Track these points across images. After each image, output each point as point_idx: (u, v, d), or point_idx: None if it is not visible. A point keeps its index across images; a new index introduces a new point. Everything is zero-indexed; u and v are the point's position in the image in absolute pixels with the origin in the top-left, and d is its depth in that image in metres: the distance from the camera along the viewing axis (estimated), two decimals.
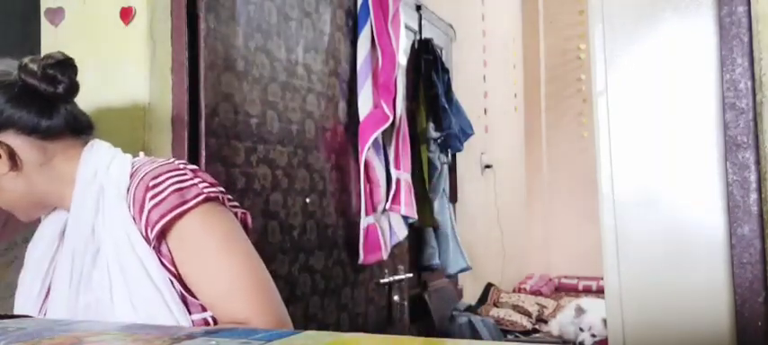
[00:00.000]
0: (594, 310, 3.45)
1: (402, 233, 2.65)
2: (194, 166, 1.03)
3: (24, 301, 1.06)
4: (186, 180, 0.97)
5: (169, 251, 0.96)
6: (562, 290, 5.26)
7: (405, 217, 2.67)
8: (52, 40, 1.72)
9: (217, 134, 1.68)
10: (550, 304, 4.66)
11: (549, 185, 5.74)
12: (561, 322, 3.79)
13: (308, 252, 2.02)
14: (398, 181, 2.60)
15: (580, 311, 3.57)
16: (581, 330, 3.49)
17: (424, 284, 3.51)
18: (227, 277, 0.95)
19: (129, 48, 1.64)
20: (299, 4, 2.08)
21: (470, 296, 4.29)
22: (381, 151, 2.51)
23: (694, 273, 1.18)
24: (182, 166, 1.00)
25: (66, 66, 1.09)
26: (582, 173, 5.19)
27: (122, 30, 1.64)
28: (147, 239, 0.95)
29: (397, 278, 2.61)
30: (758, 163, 1.14)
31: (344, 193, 2.30)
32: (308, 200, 2.04)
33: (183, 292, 0.96)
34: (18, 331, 0.63)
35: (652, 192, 1.23)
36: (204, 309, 0.97)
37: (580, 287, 5.23)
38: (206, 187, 0.98)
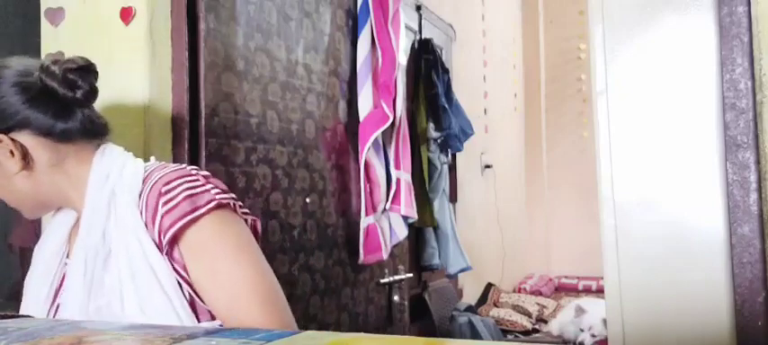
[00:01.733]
0: (594, 310, 3.46)
1: (402, 233, 2.65)
2: (206, 172, 1.03)
3: (32, 304, 1.06)
4: (198, 186, 0.98)
5: (181, 256, 0.96)
6: (562, 290, 5.26)
7: (405, 217, 2.67)
8: (52, 40, 1.72)
9: (217, 134, 1.68)
10: (550, 304, 4.66)
11: (549, 185, 5.74)
12: (561, 322, 3.79)
13: (308, 252, 2.02)
14: (398, 181, 2.60)
15: (580, 311, 3.57)
16: (581, 330, 3.50)
17: (424, 284, 3.51)
18: (237, 284, 0.96)
19: (129, 48, 1.64)
20: (299, 4, 2.08)
21: (470, 296, 4.29)
22: (381, 151, 2.51)
23: (694, 273, 1.18)
24: (194, 172, 1.01)
25: (87, 71, 1.09)
26: (582, 173, 5.19)
27: (122, 30, 1.64)
28: (158, 245, 0.95)
29: (397, 278, 2.61)
30: (758, 163, 1.14)
31: (344, 193, 2.30)
32: (308, 200, 2.04)
33: (193, 298, 0.96)
34: (18, 331, 0.63)
35: (652, 192, 1.23)
36: (213, 316, 0.97)
37: (580, 287, 5.23)
38: (218, 193, 0.99)
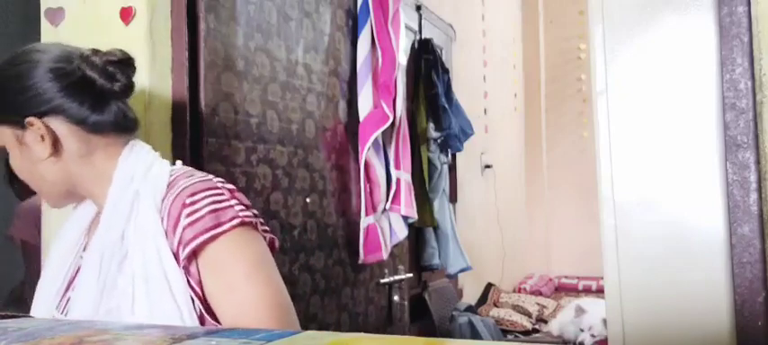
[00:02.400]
0: (594, 310, 3.46)
1: (402, 233, 2.65)
2: (231, 186, 1.02)
3: (44, 296, 1.05)
4: (223, 201, 0.97)
5: (197, 271, 0.95)
6: (562, 290, 5.26)
7: (405, 217, 2.67)
8: (52, 40, 1.72)
9: (217, 134, 1.68)
10: (550, 304, 4.66)
11: (549, 185, 5.74)
12: (561, 322, 3.79)
13: (308, 252, 2.02)
14: (398, 180, 2.60)
15: (580, 311, 3.57)
16: (581, 330, 3.50)
17: (424, 284, 3.51)
18: (252, 303, 0.95)
19: (129, 48, 1.63)
20: (299, 4, 2.08)
21: (470, 296, 4.29)
22: (381, 151, 2.51)
23: (694, 273, 1.18)
24: (219, 185, 1.00)
25: (126, 64, 1.08)
26: (582, 173, 5.19)
27: (122, 30, 1.64)
28: (176, 255, 0.94)
29: (397, 278, 2.61)
30: (758, 163, 1.14)
31: (344, 193, 2.30)
32: (308, 200, 2.04)
33: (203, 313, 0.95)
34: (18, 331, 0.63)
35: (652, 192, 1.23)
36: None
37: (580, 287, 5.23)
38: (241, 210, 0.98)
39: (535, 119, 5.73)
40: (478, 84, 4.58)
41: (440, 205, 3.52)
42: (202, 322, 0.95)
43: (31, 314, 1.03)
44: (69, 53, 1.05)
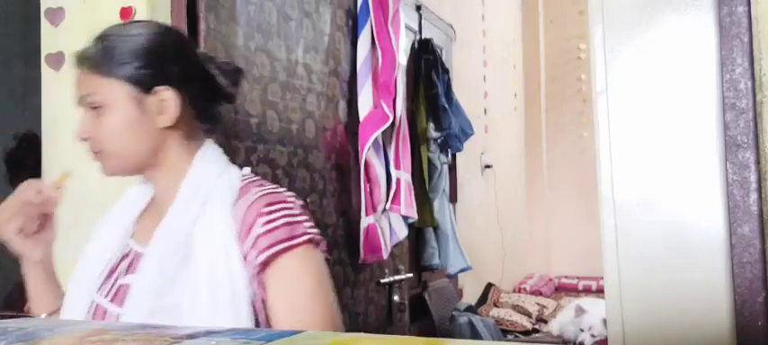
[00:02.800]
0: (594, 310, 3.45)
1: (402, 233, 2.65)
2: (301, 202, 1.04)
3: (86, 277, 1.05)
4: (296, 215, 1.00)
5: (264, 279, 0.97)
6: (562, 290, 5.26)
7: (405, 217, 2.67)
8: (52, 40, 1.72)
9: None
10: (550, 304, 4.66)
11: (549, 185, 5.74)
12: (561, 322, 3.79)
13: None
14: (398, 180, 2.60)
15: (580, 311, 3.57)
16: (581, 330, 3.49)
17: (424, 284, 3.51)
18: (313, 320, 0.98)
19: None
20: (299, 4, 2.08)
21: (470, 296, 4.29)
22: (381, 151, 2.51)
23: (694, 273, 1.18)
24: (291, 199, 1.02)
25: (240, 75, 1.13)
26: (582, 173, 5.18)
27: None
28: (245, 259, 0.96)
29: (397, 278, 2.61)
30: (758, 163, 1.14)
31: (344, 193, 2.30)
32: (308, 200, 2.04)
33: (258, 321, 0.97)
34: (18, 331, 0.63)
35: (652, 192, 1.23)
36: None
37: (580, 287, 5.23)
38: (310, 227, 1.01)
39: (535, 119, 5.73)
40: (478, 83, 4.58)
41: (440, 205, 3.52)
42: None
43: (68, 292, 1.03)
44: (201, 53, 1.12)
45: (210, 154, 1.07)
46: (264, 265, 0.96)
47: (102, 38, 1.03)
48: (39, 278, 1.04)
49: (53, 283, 1.06)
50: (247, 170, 1.09)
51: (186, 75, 1.04)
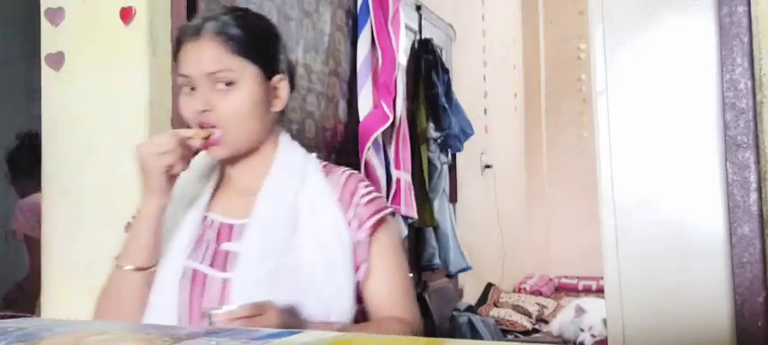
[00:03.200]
0: (594, 310, 3.45)
1: (402, 233, 2.65)
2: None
3: (172, 241, 1.07)
4: (375, 190, 1.15)
5: (370, 244, 1.08)
6: (562, 290, 5.26)
7: (405, 217, 2.67)
8: (52, 40, 1.72)
9: None
10: (550, 304, 4.66)
11: (549, 185, 5.74)
12: (561, 322, 3.79)
13: None
14: (398, 180, 2.60)
15: (580, 311, 3.57)
16: (581, 330, 3.49)
17: (424, 284, 3.51)
18: (403, 282, 1.11)
19: (129, 48, 1.64)
20: (299, 4, 2.08)
21: (470, 296, 4.29)
22: (381, 151, 2.51)
23: (694, 273, 1.18)
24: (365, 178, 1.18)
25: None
26: (582, 173, 5.18)
27: (122, 30, 1.64)
28: (349, 225, 1.07)
29: None
30: (758, 163, 1.14)
31: None
32: None
33: (357, 282, 1.08)
34: (18, 331, 0.63)
35: (652, 192, 1.23)
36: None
37: (580, 287, 5.23)
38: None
39: (535, 119, 5.73)
40: (478, 84, 4.58)
41: (440, 205, 3.52)
42: (356, 291, 1.07)
43: (162, 262, 1.06)
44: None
45: (289, 139, 1.17)
46: (373, 230, 1.08)
47: (235, 18, 1.08)
48: (151, 228, 1.04)
49: (158, 239, 1.06)
50: (314, 155, 1.19)
51: (290, 65, 1.14)
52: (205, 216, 1.10)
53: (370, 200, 1.10)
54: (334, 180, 1.11)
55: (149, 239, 1.04)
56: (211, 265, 1.05)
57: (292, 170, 1.11)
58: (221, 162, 1.13)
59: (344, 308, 1.04)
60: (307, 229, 1.05)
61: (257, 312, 0.89)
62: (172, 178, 1.04)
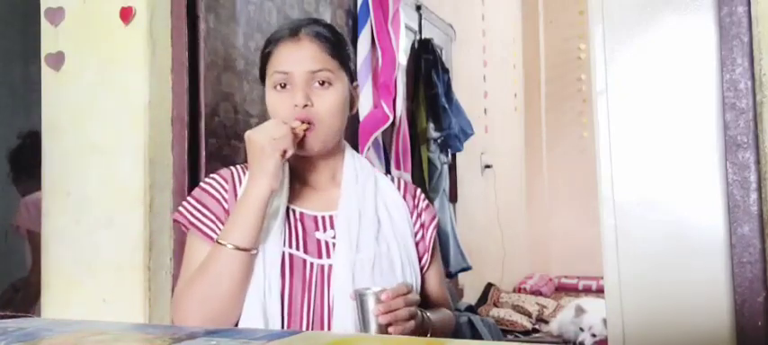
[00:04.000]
0: (594, 310, 3.45)
1: None
2: None
3: (270, 229, 1.12)
4: None
5: (429, 240, 1.24)
6: (562, 290, 5.26)
7: None
8: (52, 40, 1.72)
9: (217, 134, 1.68)
10: (550, 304, 4.66)
11: (549, 185, 5.74)
12: (561, 322, 3.79)
13: None
14: (398, 181, 2.60)
15: (580, 311, 3.57)
16: (581, 330, 3.49)
17: None
18: (443, 277, 1.29)
19: (129, 48, 1.64)
20: (298, 4, 2.08)
21: (470, 296, 4.29)
22: (381, 151, 2.51)
23: (694, 273, 1.18)
24: None
25: None
26: (582, 173, 5.18)
27: (122, 30, 1.64)
28: (414, 223, 1.23)
29: None
30: (758, 163, 1.14)
31: None
32: None
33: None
34: (18, 331, 0.63)
35: (652, 192, 1.23)
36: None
37: (580, 287, 5.23)
38: None
39: (535, 119, 5.73)
40: (478, 83, 4.58)
41: (440, 205, 3.52)
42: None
43: (262, 248, 1.10)
44: None
45: (348, 145, 1.26)
46: (430, 232, 1.24)
47: (325, 26, 1.18)
48: (261, 210, 1.08)
49: (263, 223, 1.10)
50: None
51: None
52: (289, 208, 1.15)
53: (427, 205, 1.27)
54: (398, 184, 1.26)
55: (258, 221, 1.08)
56: (308, 252, 1.12)
57: (366, 170, 1.22)
58: (294, 159, 1.16)
59: (416, 293, 1.14)
60: (387, 223, 1.17)
61: (408, 290, 1.05)
62: (283, 163, 1.10)
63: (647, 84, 1.24)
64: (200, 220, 1.14)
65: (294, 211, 1.16)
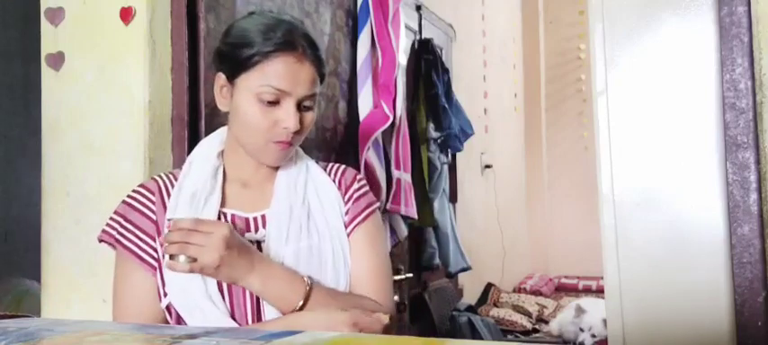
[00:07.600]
0: (594, 310, 3.45)
1: (402, 233, 2.65)
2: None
3: None
4: (367, 186, 1.25)
5: (358, 234, 1.17)
6: (562, 290, 5.26)
7: (405, 217, 2.67)
8: (52, 40, 1.72)
9: None
10: (550, 304, 4.66)
11: (549, 185, 5.74)
12: (561, 323, 3.79)
13: None
14: (398, 180, 2.60)
15: (580, 311, 3.57)
16: (581, 330, 3.49)
17: (424, 284, 3.51)
18: (380, 268, 1.18)
19: (129, 48, 1.64)
20: (298, 4, 2.08)
21: (470, 296, 4.29)
22: (381, 151, 2.51)
23: (694, 273, 1.18)
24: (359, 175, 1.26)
25: None
26: (582, 173, 5.19)
27: (122, 30, 1.64)
28: (347, 212, 1.17)
29: (397, 278, 2.60)
30: (758, 163, 1.14)
31: None
32: None
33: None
34: (18, 331, 0.63)
35: (652, 192, 1.23)
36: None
37: (580, 287, 5.23)
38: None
39: (535, 119, 5.73)
40: (478, 83, 4.58)
41: (440, 205, 3.52)
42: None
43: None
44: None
45: None
46: (362, 221, 1.17)
47: (307, 36, 1.13)
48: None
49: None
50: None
51: None
52: (222, 213, 1.14)
53: (364, 193, 1.20)
54: (335, 171, 1.22)
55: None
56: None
57: (298, 163, 1.19)
58: (221, 158, 1.18)
59: (347, 285, 1.14)
60: (318, 214, 1.15)
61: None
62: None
63: (647, 83, 1.24)
64: (126, 238, 1.11)
65: (225, 215, 1.13)
